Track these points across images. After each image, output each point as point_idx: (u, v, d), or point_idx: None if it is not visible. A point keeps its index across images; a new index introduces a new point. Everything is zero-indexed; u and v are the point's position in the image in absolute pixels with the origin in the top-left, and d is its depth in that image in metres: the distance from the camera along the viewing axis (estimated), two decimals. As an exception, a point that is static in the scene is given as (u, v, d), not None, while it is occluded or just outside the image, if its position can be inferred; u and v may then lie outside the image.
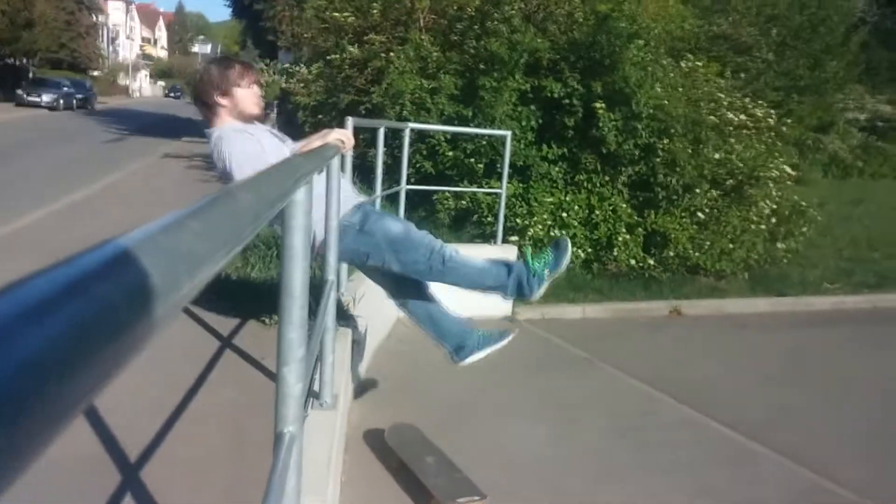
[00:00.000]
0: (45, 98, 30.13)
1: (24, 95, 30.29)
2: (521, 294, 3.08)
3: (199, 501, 2.20)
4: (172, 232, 0.39)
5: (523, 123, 6.81)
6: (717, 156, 6.79)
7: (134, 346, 0.28)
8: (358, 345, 3.68)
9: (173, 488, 2.21)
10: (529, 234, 6.40)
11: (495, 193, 6.11)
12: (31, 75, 36.03)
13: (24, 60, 37.23)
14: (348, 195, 2.98)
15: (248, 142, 2.90)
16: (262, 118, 3.20)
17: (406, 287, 3.27)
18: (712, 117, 6.96)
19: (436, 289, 3.34)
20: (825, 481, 3.26)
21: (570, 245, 3.09)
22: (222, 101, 2.98)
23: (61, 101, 30.77)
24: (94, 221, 7.08)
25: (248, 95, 3.01)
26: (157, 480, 2.21)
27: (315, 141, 2.79)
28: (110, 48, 66.77)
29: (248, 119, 3.04)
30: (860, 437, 3.84)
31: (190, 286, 0.37)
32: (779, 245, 7.34)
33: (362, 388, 3.70)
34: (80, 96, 33.62)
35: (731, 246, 6.84)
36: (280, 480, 1.19)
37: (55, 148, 14.78)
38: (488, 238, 6.17)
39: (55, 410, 0.22)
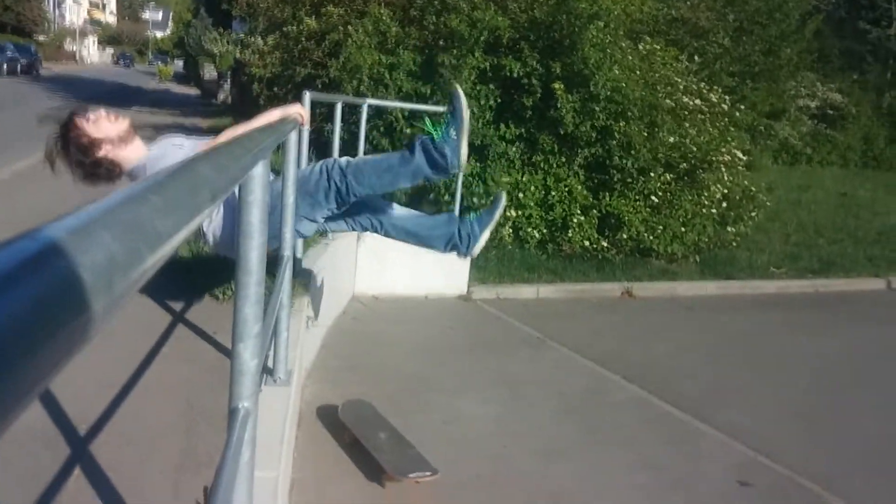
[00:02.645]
0: (-13, 62, 28.98)
1: (-35, 59, 29.09)
2: (437, 166, 2.77)
3: (151, 476, 2.18)
4: (133, 206, 0.38)
5: (482, 102, 6.80)
6: (671, 139, 6.89)
7: (96, 322, 0.28)
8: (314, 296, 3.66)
9: (124, 463, 2.18)
10: (486, 213, 6.42)
11: (453, 172, 6.11)
12: (-29, 37, 34.54)
13: (-35, 21, 35.69)
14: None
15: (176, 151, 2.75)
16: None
17: (359, 213, 3.06)
18: (668, 101, 7.05)
19: (397, 206, 3.25)
20: (761, 457, 3.38)
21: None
22: (110, 164, 2.72)
23: (4, 66, 29.64)
24: (41, 193, 6.86)
25: (121, 152, 2.72)
26: (108, 455, 2.18)
27: (273, 114, 2.73)
28: (56, 12, 64.32)
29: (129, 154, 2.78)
30: (796, 416, 3.99)
31: (151, 260, 0.37)
32: (729, 229, 7.52)
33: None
34: (24, 61, 32.38)
35: (682, 229, 6.97)
36: (234, 455, 1.19)
37: (1, 114, 14.24)
38: (445, 216, 6.18)
39: (16, 388, 0.22)
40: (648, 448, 3.41)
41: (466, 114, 2.72)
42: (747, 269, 7.20)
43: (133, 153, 2.72)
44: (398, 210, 3.20)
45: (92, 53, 76.37)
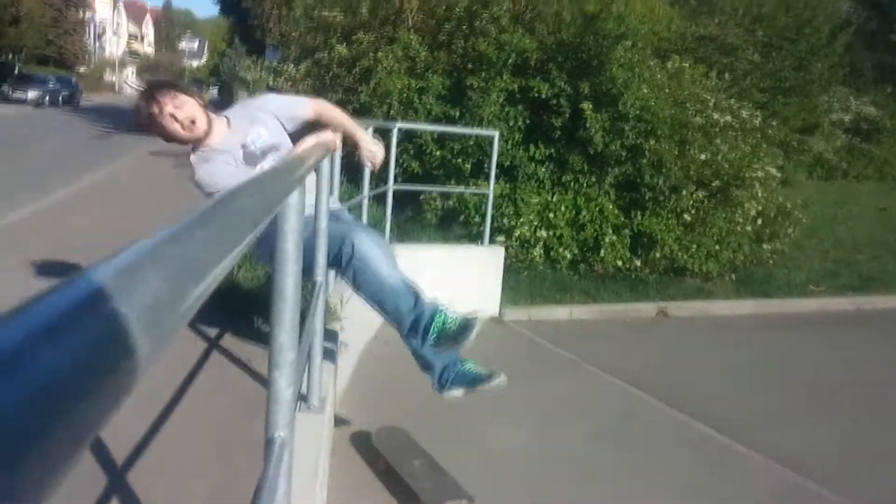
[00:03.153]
0: (31, 94, 29.84)
1: (10, 91, 29.98)
2: (414, 337, 2.69)
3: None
4: (178, 243, 0.38)
5: (511, 123, 6.82)
6: (703, 157, 6.83)
7: (144, 364, 0.28)
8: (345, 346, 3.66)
9: (160, 493, 2.19)
10: (516, 234, 6.42)
11: (482, 193, 6.12)
12: (16, 71, 35.64)
13: (10, 56, 36.85)
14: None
15: (209, 167, 2.84)
16: (205, 132, 2.85)
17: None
18: (698, 118, 7.00)
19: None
20: (809, 482, 3.29)
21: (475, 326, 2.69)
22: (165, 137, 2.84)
23: (47, 98, 30.49)
24: (83, 219, 7.02)
25: (169, 129, 2.79)
26: (144, 485, 2.19)
27: (308, 142, 2.77)
28: (97, 44, 66.17)
29: (194, 142, 2.87)
30: (843, 439, 3.87)
31: (196, 296, 0.37)
32: (764, 246, 7.40)
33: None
34: (65, 93, 33.30)
35: (717, 247, 6.88)
36: (271, 486, 1.18)
37: (40, 144, 14.63)
38: (475, 238, 6.17)
39: (71, 436, 0.22)
40: (687, 471, 3.34)
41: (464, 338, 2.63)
42: (785, 287, 7.06)
43: (205, 135, 2.83)
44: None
45: (131, 83, 78.30)
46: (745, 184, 7.05)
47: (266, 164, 2.83)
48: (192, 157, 2.88)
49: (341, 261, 2.66)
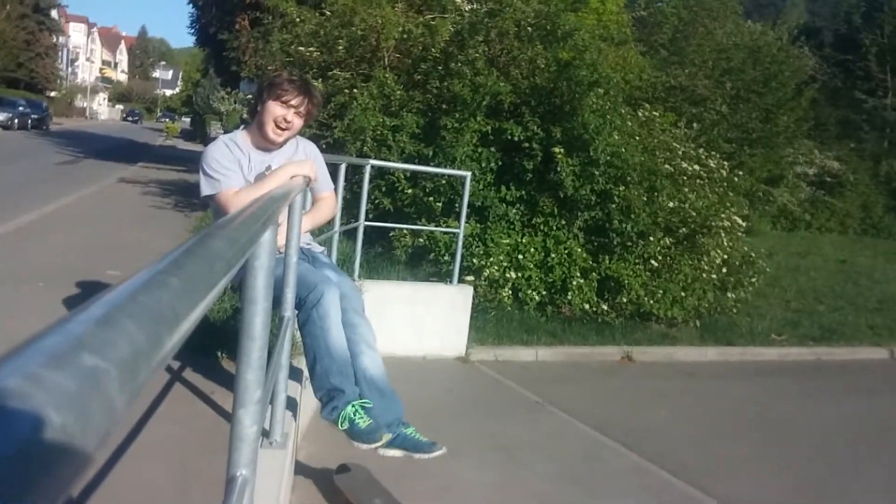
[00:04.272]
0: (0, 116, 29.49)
1: (-23, 113, 29.57)
2: (323, 407, 2.76)
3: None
4: (153, 290, 0.39)
5: (483, 164, 6.90)
6: (671, 204, 6.96)
7: (120, 412, 0.28)
8: None
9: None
10: (485, 274, 6.44)
11: (453, 233, 6.15)
12: (-16, 92, 35.21)
13: (-21, 77, 36.41)
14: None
15: (226, 154, 2.96)
16: (275, 145, 3.04)
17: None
18: (667, 166, 7.15)
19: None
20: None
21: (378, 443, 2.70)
22: (258, 106, 2.99)
23: (16, 121, 30.15)
24: (44, 247, 6.90)
25: (273, 111, 2.92)
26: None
27: (285, 172, 2.84)
28: (69, 69, 65.74)
29: (262, 140, 3.01)
30: (799, 487, 3.91)
31: (172, 344, 0.38)
32: (729, 294, 7.52)
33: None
34: (35, 116, 32.98)
35: (682, 294, 6.98)
36: (230, 524, 1.17)
37: (3, 168, 14.41)
38: (444, 277, 6.19)
39: (55, 485, 0.22)
40: (649, 518, 3.34)
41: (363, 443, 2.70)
42: (748, 336, 7.17)
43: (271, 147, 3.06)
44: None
45: (102, 110, 77.77)
46: (711, 232, 7.19)
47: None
48: (223, 136, 3.06)
49: (302, 305, 2.72)
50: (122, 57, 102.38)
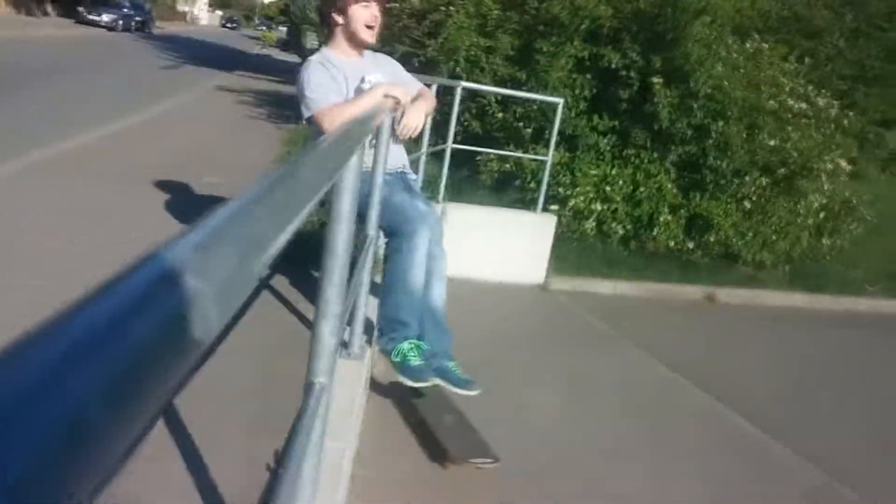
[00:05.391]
0: (105, 18, 30.45)
1: (85, 13, 30.62)
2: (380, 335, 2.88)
3: (228, 435, 2.30)
4: (245, 217, 0.42)
5: (577, 91, 6.72)
6: (772, 143, 6.63)
7: (215, 329, 0.32)
8: None
9: (203, 420, 2.31)
10: (571, 204, 6.38)
11: (540, 160, 6.08)
12: (92, -7, 36.32)
13: (87, -22, 37.42)
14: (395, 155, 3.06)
15: (322, 73, 3.00)
16: (371, 46, 3.13)
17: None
18: (772, 102, 6.77)
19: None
20: (836, 483, 3.26)
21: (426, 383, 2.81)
22: (337, 18, 3.04)
23: (120, 22, 31.07)
24: (147, 149, 7.24)
25: (360, 15, 2.98)
26: (188, 411, 2.31)
27: (377, 93, 2.87)
28: (172, -27, 66.74)
29: (356, 44, 3.07)
30: (876, 444, 3.82)
31: (260, 266, 0.41)
32: (824, 241, 7.20)
33: None
34: (138, 18, 33.89)
35: (774, 237, 6.73)
36: (307, 426, 1.25)
37: (113, 69, 15.00)
38: (529, 204, 6.15)
39: (156, 394, 0.26)
40: (715, 461, 3.35)
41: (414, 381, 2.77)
42: (839, 284, 6.88)
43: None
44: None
45: (203, 15, 79.10)
46: (812, 174, 6.85)
47: None
48: (314, 57, 3.11)
49: (394, 235, 2.81)
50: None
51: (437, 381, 2.82)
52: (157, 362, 0.26)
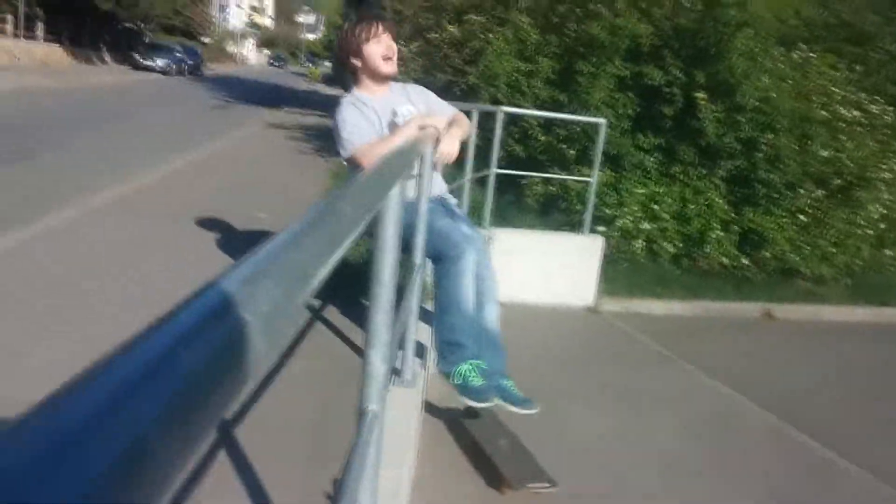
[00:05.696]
0: (159, 63, 31.69)
1: (140, 59, 31.90)
2: (445, 366, 2.85)
3: (285, 464, 2.34)
4: (289, 251, 0.44)
5: (619, 111, 6.69)
6: (824, 153, 6.48)
7: (262, 361, 0.34)
8: None
9: (262, 449, 2.36)
10: (618, 224, 6.32)
11: (585, 181, 6.05)
12: (146, 40, 37.78)
13: (140, 25, 39.01)
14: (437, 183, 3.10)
15: (355, 113, 3.07)
16: (394, 76, 3.19)
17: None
18: (823, 112, 6.63)
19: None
20: (911, 503, 3.13)
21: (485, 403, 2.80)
22: (355, 62, 3.12)
23: (173, 67, 32.25)
24: (201, 186, 7.46)
25: (375, 52, 3.06)
26: (249, 441, 2.36)
27: (412, 125, 2.91)
28: (220, 16, 69.09)
29: (380, 79, 3.13)
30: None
31: (303, 298, 0.43)
32: (887, 252, 6.97)
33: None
34: (190, 62, 35.12)
35: (833, 250, 6.54)
36: (361, 454, 1.27)
37: (168, 112, 15.56)
38: (575, 226, 6.12)
39: (203, 421, 0.28)
40: (781, 481, 3.25)
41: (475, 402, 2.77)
42: (905, 296, 6.64)
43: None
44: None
45: (251, 55, 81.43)
46: (869, 184, 6.66)
47: None
48: (345, 99, 3.15)
49: (441, 260, 2.82)
50: (269, 2, 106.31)
51: (498, 400, 2.80)
52: (209, 391, 0.28)
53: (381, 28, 3.06)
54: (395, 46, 3.11)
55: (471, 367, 2.79)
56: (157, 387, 0.26)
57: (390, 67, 3.10)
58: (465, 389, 2.77)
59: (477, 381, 2.77)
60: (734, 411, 4.00)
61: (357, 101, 3.13)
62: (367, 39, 3.04)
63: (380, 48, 3.05)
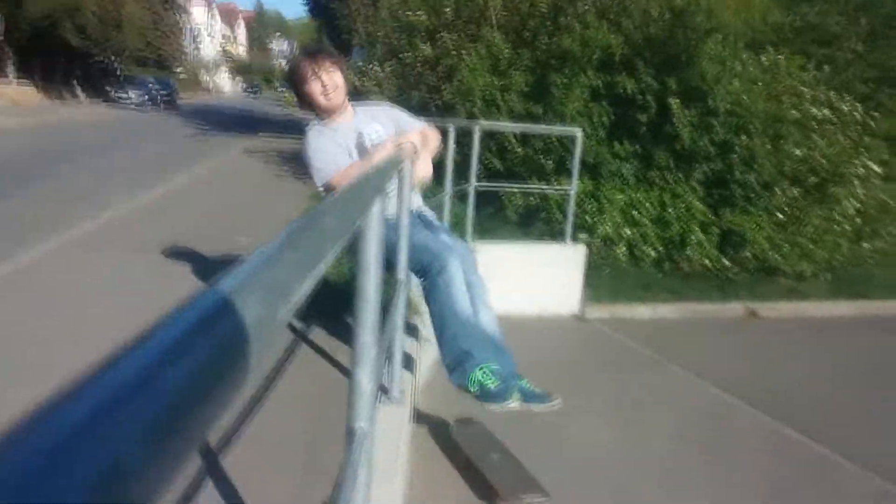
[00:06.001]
0: (133, 95, 31.62)
1: (114, 93, 31.79)
2: (457, 376, 2.82)
3: (275, 485, 2.31)
4: (271, 267, 0.44)
5: (594, 120, 6.75)
6: (798, 152, 6.57)
7: (247, 374, 0.34)
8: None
9: (251, 471, 2.33)
10: (599, 231, 6.36)
11: (564, 191, 6.09)
12: (119, 74, 37.65)
13: (112, 59, 38.87)
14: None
15: (323, 140, 3.08)
16: (338, 107, 3.15)
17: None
18: (794, 112, 6.73)
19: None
20: (905, 493, 3.15)
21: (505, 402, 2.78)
22: (304, 96, 3.13)
23: (147, 99, 32.16)
24: (179, 215, 7.41)
25: (313, 90, 3.06)
26: (237, 462, 2.34)
27: (387, 148, 2.92)
28: (192, 46, 69.02)
29: (331, 111, 3.12)
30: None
31: (286, 313, 0.43)
32: (864, 245, 7.06)
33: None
34: (164, 94, 35.03)
35: (811, 246, 6.61)
36: (351, 473, 1.25)
37: (144, 144, 15.49)
38: (557, 236, 6.15)
39: (190, 433, 0.28)
40: (778, 478, 3.25)
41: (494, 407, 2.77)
42: (885, 288, 6.72)
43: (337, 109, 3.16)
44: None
45: (225, 83, 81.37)
46: (843, 180, 6.75)
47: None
48: (310, 129, 3.15)
49: (426, 273, 2.80)
50: (241, 31, 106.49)
51: (516, 404, 2.78)
52: (191, 408, 0.28)
53: (309, 71, 3.04)
54: (335, 78, 3.07)
55: (484, 371, 2.76)
56: (138, 405, 0.26)
57: (332, 100, 3.08)
58: (484, 395, 2.74)
59: (494, 384, 2.74)
60: (727, 412, 4.01)
61: (321, 126, 3.14)
62: (305, 82, 3.05)
63: (316, 86, 3.05)
